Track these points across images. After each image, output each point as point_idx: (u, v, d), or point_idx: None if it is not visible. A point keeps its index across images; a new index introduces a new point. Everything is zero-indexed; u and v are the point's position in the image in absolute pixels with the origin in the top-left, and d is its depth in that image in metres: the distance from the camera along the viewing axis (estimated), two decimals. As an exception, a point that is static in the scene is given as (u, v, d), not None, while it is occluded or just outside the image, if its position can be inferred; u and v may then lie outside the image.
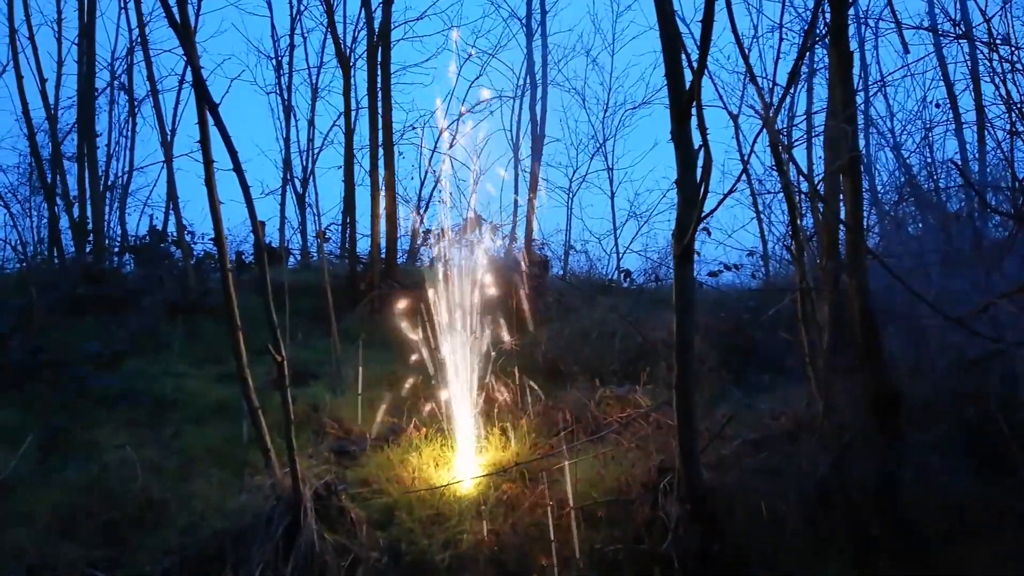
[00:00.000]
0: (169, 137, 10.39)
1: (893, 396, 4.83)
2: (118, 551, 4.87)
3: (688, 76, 4.05)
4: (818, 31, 5.25)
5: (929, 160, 8.13)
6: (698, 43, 3.86)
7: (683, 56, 4.00)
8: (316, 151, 12.92)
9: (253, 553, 4.66)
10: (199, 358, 7.98)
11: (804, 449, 4.97)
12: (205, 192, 4.87)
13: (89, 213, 10.85)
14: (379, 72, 10.11)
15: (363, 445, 6.28)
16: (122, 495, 5.44)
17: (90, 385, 7.11)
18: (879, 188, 8.02)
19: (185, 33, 4.26)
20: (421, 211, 11.43)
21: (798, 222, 4.85)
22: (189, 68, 5.10)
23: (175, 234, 10.55)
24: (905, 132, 8.70)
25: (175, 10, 4.14)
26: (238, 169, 4.39)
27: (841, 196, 4.81)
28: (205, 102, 4.32)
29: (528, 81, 12.17)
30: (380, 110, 10.16)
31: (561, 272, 11.89)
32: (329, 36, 11.46)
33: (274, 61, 13.21)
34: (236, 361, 5.33)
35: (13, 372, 7.13)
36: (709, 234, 9.26)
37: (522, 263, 9.53)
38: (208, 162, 4.77)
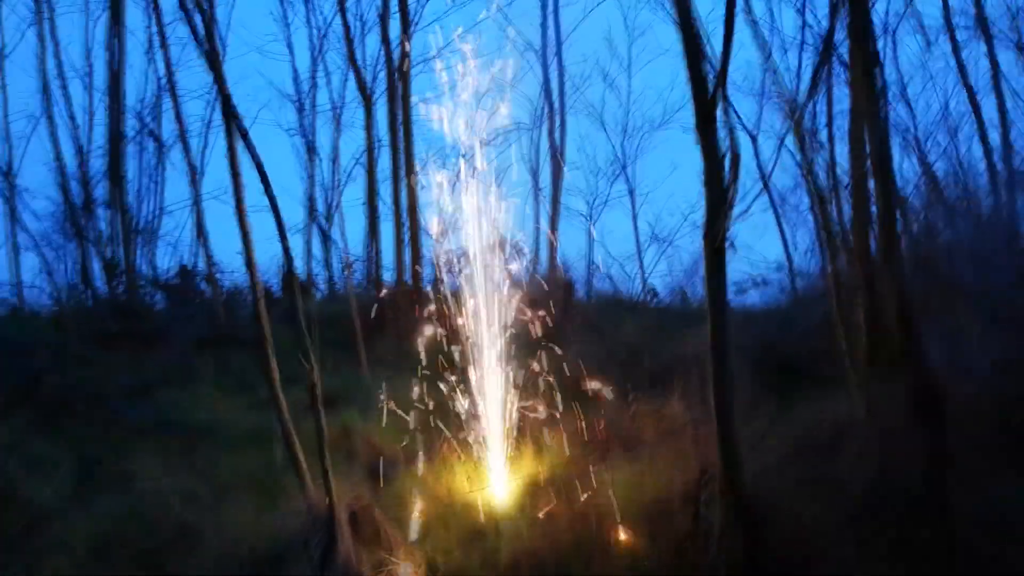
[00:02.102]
0: (199, 172, 10.60)
1: (935, 395, 4.70)
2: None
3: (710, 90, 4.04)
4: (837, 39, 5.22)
5: (955, 164, 8.03)
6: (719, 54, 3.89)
7: (704, 56, 4.01)
8: (340, 182, 13.01)
9: (291, 573, 4.64)
10: (230, 388, 8.00)
11: (846, 455, 4.85)
12: (231, 231, 5.01)
13: (120, 252, 11.06)
14: (399, 106, 10.29)
15: (396, 466, 6.24)
16: (157, 523, 5.46)
17: (123, 417, 7.17)
18: (905, 194, 7.91)
19: (213, 58, 4.37)
20: (444, 239, 11.46)
21: (828, 220, 4.80)
22: (219, 101, 5.19)
23: (204, 269, 10.72)
24: (929, 138, 8.59)
25: (200, 30, 4.25)
26: (267, 185, 4.46)
27: (871, 195, 4.77)
28: (235, 125, 4.42)
29: (546, 110, 12.25)
30: (401, 143, 10.32)
31: (585, 295, 11.84)
32: (350, 73, 11.65)
33: (297, 103, 13.42)
34: (267, 381, 5.38)
35: (48, 407, 7.20)
36: (734, 248, 9.14)
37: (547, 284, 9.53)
38: (238, 186, 4.87)
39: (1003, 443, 5.24)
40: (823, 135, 8.06)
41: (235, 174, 4.81)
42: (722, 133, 3.92)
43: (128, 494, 5.84)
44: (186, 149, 10.64)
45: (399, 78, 10.43)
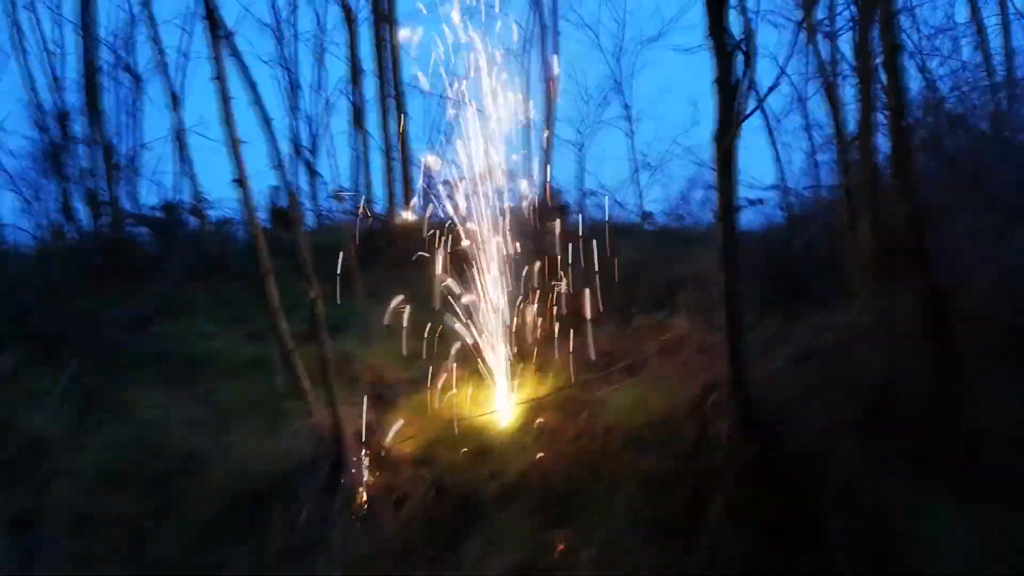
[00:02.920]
0: (179, 100, 10.24)
1: (945, 297, 4.65)
2: (166, 499, 4.86)
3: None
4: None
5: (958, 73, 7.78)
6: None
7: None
8: (326, 107, 12.59)
9: (299, 492, 4.63)
10: (226, 319, 7.90)
11: (853, 360, 4.82)
12: (213, 165, 4.83)
13: (103, 187, 10.77)
14: (385, 28, 9.92)
15: (399, 390, 6.22)
16: (163, 448, 5.44)
17: (120, 349, 7.07)
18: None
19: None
20: (435, 164, 11.21)
21: (836, 103, 4.61)
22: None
23: (190, 201, 10.47)
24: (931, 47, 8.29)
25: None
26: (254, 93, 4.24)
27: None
28: (219, 29, 4.18)
29: (538, 27, 11.77)
30: (389, 66, 9.99)
31: (580, 219, 11.65)
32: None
33: (276, 31, 12.85)
34: (265, 303, 5.28)
35: (41, 340, 7.08)
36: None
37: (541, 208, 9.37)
38: (225, 99, 4.66)
39: (1015, 347, 5.19)
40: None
41: (222, 84, 4.60)
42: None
43: (131, 422, 5.80)
44: (166, 74, 10.26)
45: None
